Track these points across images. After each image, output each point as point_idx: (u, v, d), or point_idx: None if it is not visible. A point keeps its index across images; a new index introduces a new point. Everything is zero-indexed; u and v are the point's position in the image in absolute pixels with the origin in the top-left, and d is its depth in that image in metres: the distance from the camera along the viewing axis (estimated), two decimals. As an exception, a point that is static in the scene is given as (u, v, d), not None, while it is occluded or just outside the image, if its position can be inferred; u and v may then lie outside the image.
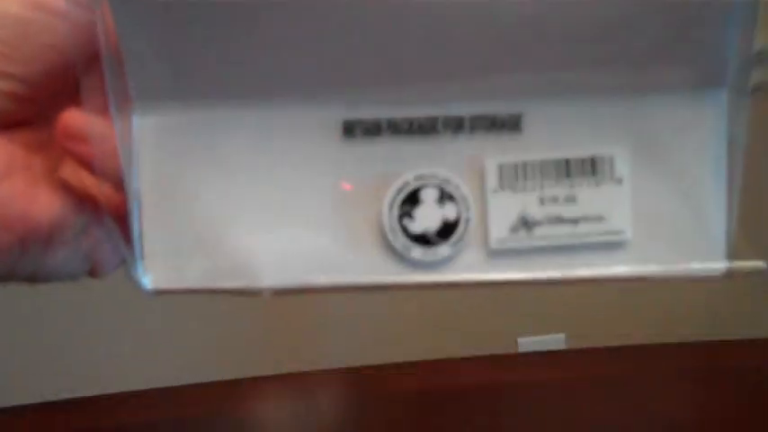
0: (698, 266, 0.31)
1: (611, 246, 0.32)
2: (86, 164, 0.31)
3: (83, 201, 0.32)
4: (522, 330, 1.54)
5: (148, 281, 0.31)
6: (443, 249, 0.31)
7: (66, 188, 0.32)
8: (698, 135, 0.32)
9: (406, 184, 0.31)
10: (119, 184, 0.31)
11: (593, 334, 1.30)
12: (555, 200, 0.31)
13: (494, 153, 0.32)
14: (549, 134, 0.32)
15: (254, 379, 1.05)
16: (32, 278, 0.32)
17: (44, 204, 0.31)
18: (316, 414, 1.00)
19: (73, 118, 0.31)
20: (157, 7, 0.29)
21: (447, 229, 0.31)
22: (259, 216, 0.31)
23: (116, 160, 0.30)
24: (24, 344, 1.36)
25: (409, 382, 1.03)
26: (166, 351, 1.35)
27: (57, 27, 0.29)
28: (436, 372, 1.05)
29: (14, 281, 0.32)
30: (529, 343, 1.50)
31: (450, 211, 0.31)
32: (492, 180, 0.31)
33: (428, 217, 0.31)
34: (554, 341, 1.44)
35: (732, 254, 0.31)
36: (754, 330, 1.08)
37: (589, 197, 0.31)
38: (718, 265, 0.31)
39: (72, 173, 0.31)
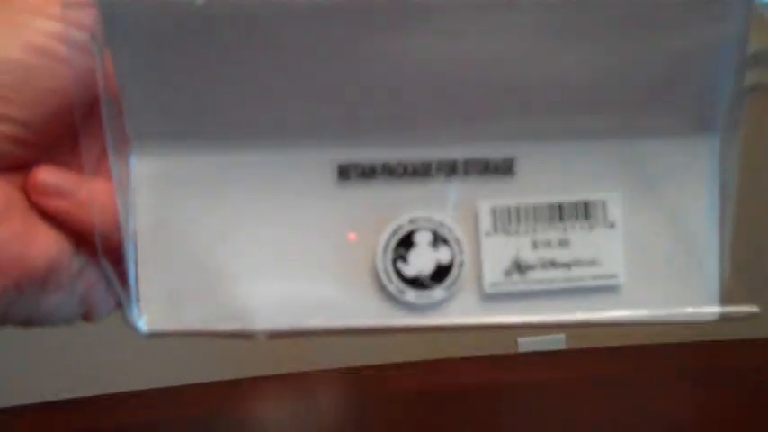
0: (691, 311, 0.32)
1: (605, 290, 0.32)
2: (58, 217, 0.31)
3: (79, 244, 0.32)
4: (522, 330, 1.53)
5: (144, 323, 0.31)
6: (437, 293, 0.31)
7: (64, 231, 0.32)
8: (690, 179, 0.32)
9: (401, 227, 0.31)
10: (114, 226, 0.31)
11: (592, 334, 1.29)
12: (548, 243, 0.31)
13: (487, 196, 0.32)
14: (542, 178, 0.32)
15: (254, 379, 1.05)
16: (27, 322, 0.32)
17: (41, 247, 0.31)
18: (316, 414, 1.01)
19: (42, 173, 0.31)
20: (156, 52, 0.29)
21: (441, 273, 0.31)
22: (255, 259, 0.32)
23: (87, 212, 0.31)
24: (24, 344, 1.36)
25: (409, 382, 1.03)
26: (166, 351, 1.35)
27: (59, 72, 0.30)
28: (436, 372, 1.05)
29: (8, 324, 0.32)
30: (529, 343, 1.50)
31: (443, 255, 0.31)
32: (485, 223, 0.31)
33: (422, 260, 0.31)
34: (554, 341, 1.43)
35: (725, 297, 0.32)
36: (754, 330, 1.08)
37: (582, 241, 0.32)
38: (712, 309, 0.31)
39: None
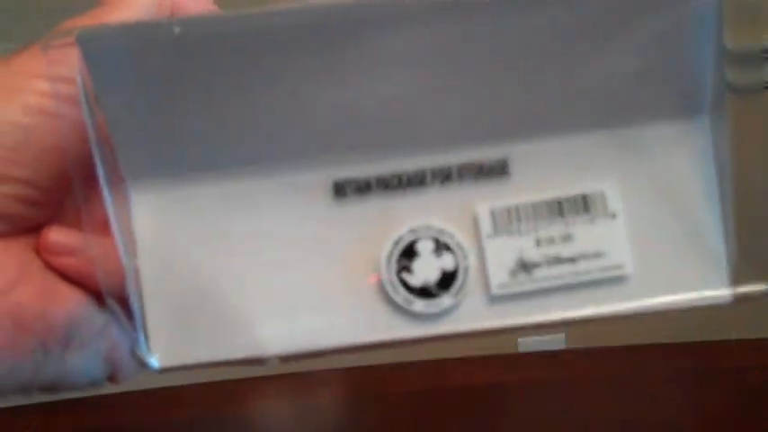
0: (702, 295, 0.31)
1: (613, 281, 0.31)
2: (71, 275, 0.31)
3: (100, 300, 0.32)
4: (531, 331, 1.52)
5: (155, 360, 0.31)
6: (445, 300, 0.31)
7: (83, 287, 0.32)
8: (686, 162, 0.32)
9: (401, 238, 0.31)
10: (120, 271, 0.31)
11: (593, 334, 1.29)
12: (551, 240, 0.31)
13: (484, 199, 0.32)
14: (538, 175, 0.32)
15: (254, 379, 1.05)
16: (53, 386, 0.32)
17: (61, 304, 0.31)
18: (316, 414, 1.01)
19: (53, 234, 0.31)
20: (141, 86, 0.29)
21: (447, 280, 0.31)
22: (259, 285, 0.31)
23: (95, 268, 0.31)
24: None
25: (409, 382, 1.03)
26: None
27: (58, 129, 0.30)
28: (436, 372, 1.05)
29: (35, 390, 0.32)
30: (529, 343, 1.49)
31: (447, 262, 0.31)
32: (486, 226, 0.31)
33: (426, 269, 0.31)
34: (554, 341, 1.43)
35: (735, 278, 0.31)
36: (754, 330, 1.08)
37: (585, 234, 0.31)
38: (723, 291, 0.31)
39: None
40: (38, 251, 0.31)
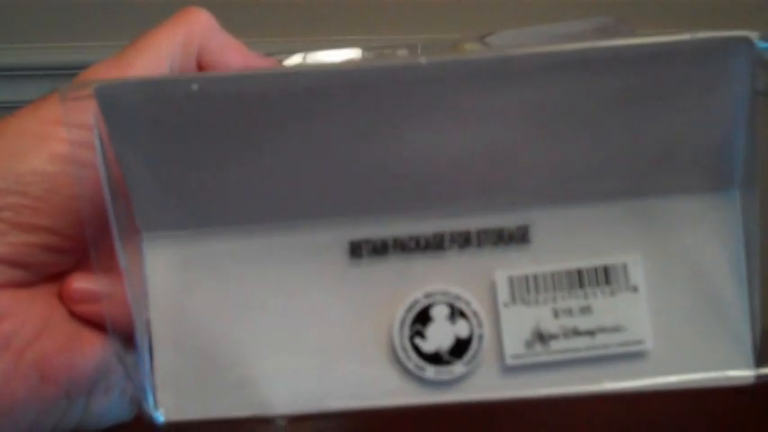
0: (724, 375, 0.30)
1: (632, 356, 0.30)
2: (96, 321, 0.31)
3: (124, 343, 0.32)
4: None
5: (161, 414, 0.31)
6: (457, 368, 0.30)
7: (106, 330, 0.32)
8: (712, 237, 0.31)
9: (416, 302, 0.31)
10: (129, 326, 0.30)
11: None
12: (569, 312, 0.30)
13: (503, 266, 0.31)
14: (559, 244, 0.31)
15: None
16: (78, 428, 0.32)
17: (88, 352, 0.31)
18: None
19: (76, 281, 0.31)
20: (158, 140, 0.29)
21: (460, 347, 0.30)
22: (270, 343, 0.31)
23: (119, 311, 0.30)
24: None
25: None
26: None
27: (84, 177, 0.29)
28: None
29: None
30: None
31: (462, 329, 0.30)
32: (503, 294, 0.30)
33: (440, 335, 0.30)
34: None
35: (759, 359, 0.30)
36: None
37: (605, 307, 0.30)
38: (746, 372, 0.30)
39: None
40: (61, 299, 0.31)
